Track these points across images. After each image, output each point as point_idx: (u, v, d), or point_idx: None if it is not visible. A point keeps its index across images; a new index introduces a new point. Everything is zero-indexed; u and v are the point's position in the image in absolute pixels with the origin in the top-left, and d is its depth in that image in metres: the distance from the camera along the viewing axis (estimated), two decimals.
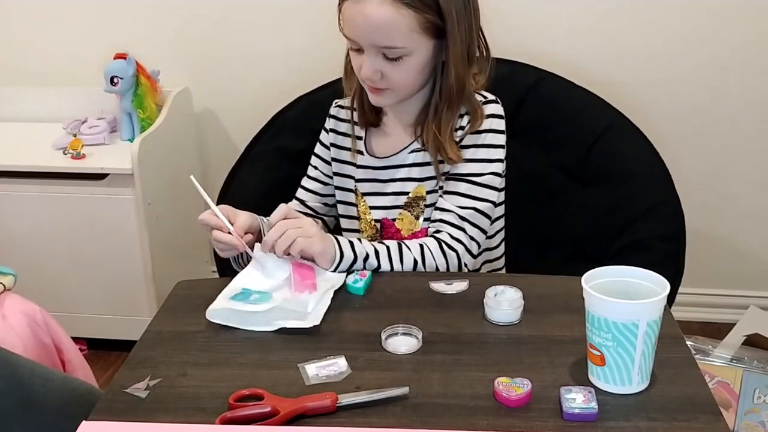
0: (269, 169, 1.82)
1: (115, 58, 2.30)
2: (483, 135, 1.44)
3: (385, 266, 1.38)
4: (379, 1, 1.31)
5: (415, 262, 1.39)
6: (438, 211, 1.46)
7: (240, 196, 1.82)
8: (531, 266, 1.55)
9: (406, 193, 1.50)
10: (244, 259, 1.41)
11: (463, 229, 1.43)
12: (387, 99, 1.43)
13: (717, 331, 2.28)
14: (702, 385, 1.07)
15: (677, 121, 2.28)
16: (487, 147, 1.45)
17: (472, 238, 1.44)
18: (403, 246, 1.40)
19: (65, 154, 2.22)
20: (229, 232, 1.33)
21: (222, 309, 1.21)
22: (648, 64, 2.25)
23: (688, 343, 1.17)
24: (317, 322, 1.20)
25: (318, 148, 1.59)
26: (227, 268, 1.74)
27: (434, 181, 1.48)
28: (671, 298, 1.46)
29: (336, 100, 1.58)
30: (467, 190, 1.44)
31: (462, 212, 1.43)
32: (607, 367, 1.04)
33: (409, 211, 1.50)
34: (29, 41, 2.40)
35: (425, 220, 1.49)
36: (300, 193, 1.60)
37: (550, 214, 1.68)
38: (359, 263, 1.36)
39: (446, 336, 1.15)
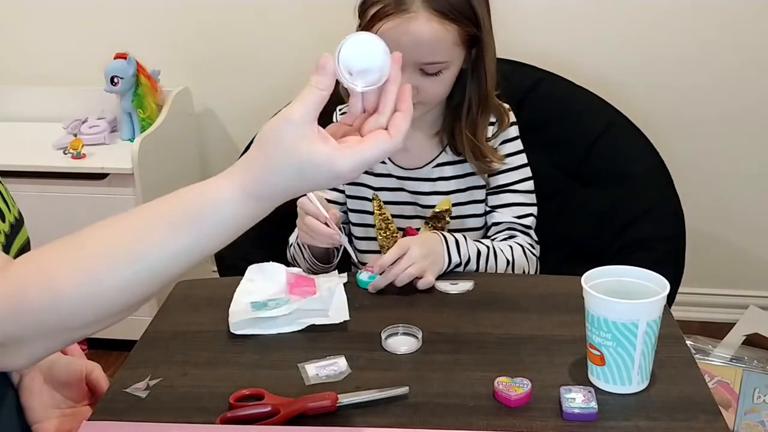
0: None
1: (115, 58, 2.30)
2: (512, 143, 1.49)
3: (481, 268, 1.42)
4: (425, 18, 1.30)
5: (508, 262, 1.44)
6: (498, 225, 1.50)
7: None
8: None
9: (432, 207, 1.50)
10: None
11: (530, 236, 1.51)
12: (416, 112, 1.41)
13: (717, 330, 2.28)
14: (702, 384, 1.07)
15: (677, 121, 2.28)
16: (516, 154, 1.50)
17: (537, 242, 1.51)
18: (496, 248, 1.45)
19: (65, 153, 2.22)
20: (326, 224, 1.32)
21: (246, 320, 1.20)
22: (648, 65, 2.25)
23: (688, 342, 1.17)
24: (346, 317, 1.21)
25: None
26: (227, 268, 1.74)
27: (460, 194, 1.50)
28: (671, 298, 1.46)
29: (339, 107, 1.54)
30: (518, 198, 1.50)
31: (525, 221, 1.50)
32: (606, 366, 1.04)
33: (434, 223, 1.51)
34: (29, 41, 2.41)
35: (450, 231, 1.50)
36: None
37: (550, 214, 1.68)
38: (461, 268, 1.39)
39: (446, 336, 1.15)
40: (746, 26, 2.19)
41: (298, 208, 1.37)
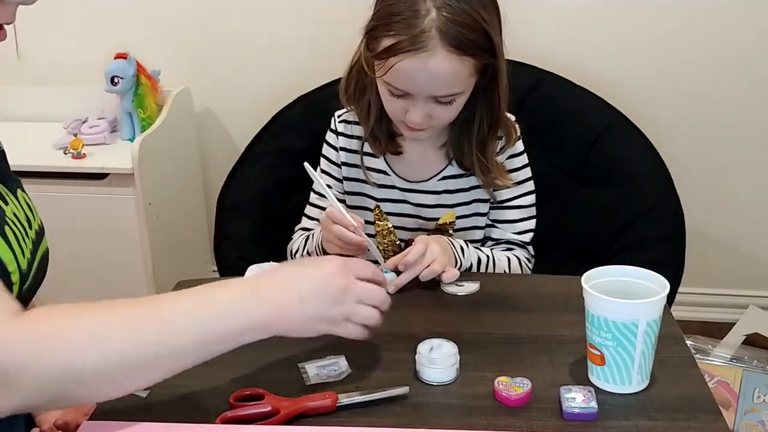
0: (270, 168, 1.82)
1: (115, 58, 2.30)
2: (518, 158, 1.49)
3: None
4: (443, 56, 1.26)
5: (505, 273, 1.46)
6: (497, 240, 1.51)
7: (241, 195, 1.82)
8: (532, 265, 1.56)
9: (435, 219, 1.50)
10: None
11: (528, 250, 1.52)
12: (425, 134, 1.40)
13: (717, 330, 2.29)
14: (702, 384, 1.07)
15: (677, 121, 2.28)
16: (522, 168, 1.50)
17: (533, 256, 1.53)
18: (495, 257, 1.46)
19: (66, 153, 2.22)
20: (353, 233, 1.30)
21: None
22: (648, 65, 2.25)
23: (688, 342, 1.17)
24: None
25: (328, 167, 1.53)
26: (227, 268, 1.74)
27: (464, 207, 1.50)
28: (671, 298, 1.46)
29: (337, 113, 1.53)
30: (520, 214, 1.50)
31: (523, 237, 1.51)
32: (606, 366, 1.04)
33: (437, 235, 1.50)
34: (30, 41, 2.40)
35: None
36: (315, 212, 1.54)
37: (550, 214, 1.69)
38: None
39: (446, 336, 1.15)
40: (746, 26, 2.19)
41: (323, 218, 1.36)
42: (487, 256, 1.45)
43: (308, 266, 1.04)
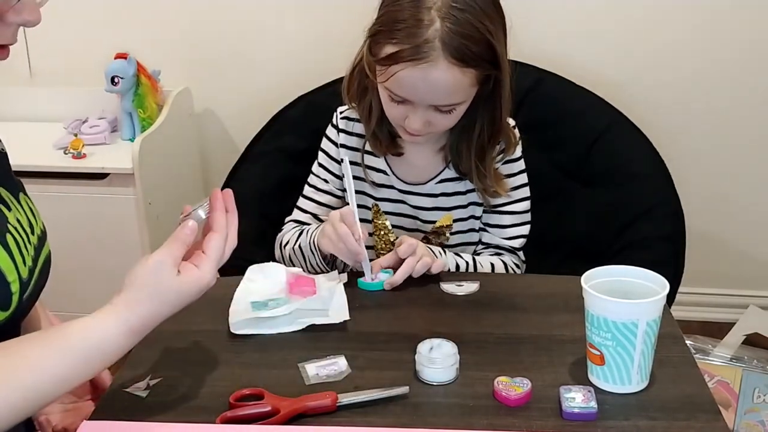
0: (270, 168, 1.82)
1: (115, 58, 2.30)
2: (515, 163, 1.48)
3: None
4: (445, 66, 1.25)
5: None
6: (486, 245, 1.51)
7: (240, 195, 1.81)
8: (531, 266, 1.56)
9: (432, 222, 1.50)
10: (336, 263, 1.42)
11: (518, 255, 1.51)
12: (424, 139, 1.40)
13: (717, 330, 2.29)
14: (702, 384, 1.07)
15: (677, 121, 2.28)
16: (518, 174, 1.49)
17: (524, 261, 1.52)
18: (477, 262, 1.45)
19: (66, 153, 2.23)
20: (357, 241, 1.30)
21: (246, 320, 1.20)
22: (648, 65, 2.25)
23: (687, 342, 1.17)
24: (347, 317, 1.21)
25: (326, 161, 1.53)
26: (227, 268, 1.74)
27: (461, 210, 1.49)
28: (671, 298, 1.46)
29: (340, 110, 1.52)
30: (512, 220, 1.50)
31: (514, 242, 1.50)
32: (606, 366, 1.04)
33: (434, 238, 1.50)
34: (30, 41, 2.41)
35: (450, 246, 1.50)
36: (309, 206, 1.54)
37: (550, 214, 1.69)
38: None
39: (446, 336, 1.15)
40: (749, 26, 2.19)
41: (334, 214, 1.35)
42: (467, 263, 1.44)
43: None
